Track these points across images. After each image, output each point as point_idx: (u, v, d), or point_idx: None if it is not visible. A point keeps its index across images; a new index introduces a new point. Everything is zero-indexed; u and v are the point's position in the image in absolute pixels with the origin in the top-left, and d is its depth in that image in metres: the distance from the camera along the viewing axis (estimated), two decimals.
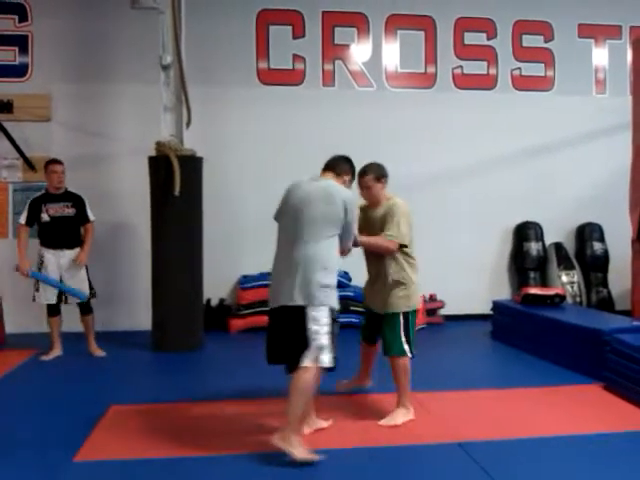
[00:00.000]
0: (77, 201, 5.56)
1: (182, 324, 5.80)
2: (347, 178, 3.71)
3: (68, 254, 5.48)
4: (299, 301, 3.29)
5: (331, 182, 3.58)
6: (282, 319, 3.39)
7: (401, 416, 3.88)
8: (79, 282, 5.51)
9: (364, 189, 4.01)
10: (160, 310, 5.84)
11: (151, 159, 5.83)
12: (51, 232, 5.49)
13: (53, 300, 5.49)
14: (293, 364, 3.36)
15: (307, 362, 3.27)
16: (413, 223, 4.00)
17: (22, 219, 5.53)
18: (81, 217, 5.56)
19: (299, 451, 3.24)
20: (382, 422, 3.84)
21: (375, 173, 3.98)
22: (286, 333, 3.37)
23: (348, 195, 3.52)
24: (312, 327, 3.27)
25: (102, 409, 4.11)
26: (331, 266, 3.39)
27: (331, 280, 3.38)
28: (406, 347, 3.88)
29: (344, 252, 3.63)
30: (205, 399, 4.39)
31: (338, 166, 3.69)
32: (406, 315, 3.91)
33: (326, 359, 3.30)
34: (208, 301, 6.70)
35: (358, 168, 3.96)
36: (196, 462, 3.36)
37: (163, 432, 3.76)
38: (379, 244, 3.83)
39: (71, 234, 5.53)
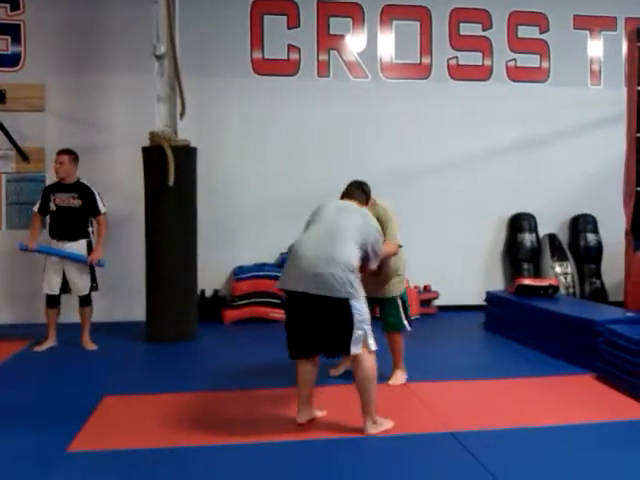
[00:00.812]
0: (85, 193, 5.49)
1: (176, 315, 5.79)
2: (364, 207, 4.04)
3: (70, 246, 5.44)
4: (342, 294, 3.42)
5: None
6: (316, 309, 3.48)
7: (402, 376, 4.55)
8: (80, 275, 5.47)
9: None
10: (154, 301, 5.83)
11: (145, 149, 5.81)
12: (56, 222, 5.48)
13: (56, 291, 5.48)
14: (331, 352, 3.68)
15: (357, 350, 3.48)
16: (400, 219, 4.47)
17: (35, 207, 5.58)
18: (89, 209, 5.49)
19: (389, 424, 3.61)
20: (390, 382, 4.47)
21: (362, 199, 4.11)
22: (325, 323, 3.50)
23: (377, 227, 3.92)
24: (357, 317, 3.46)
25: (96, 400, 4.11)
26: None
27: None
28: (405, 322, 4.52)
29: (364, 269, 3.77)
30: (199, 389, 4.39)
31: (358, 196, 4.02)
32: (402, 296, 4.53)
33: (372, 343, 3.54)
34: (202, 292, 6.70)
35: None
36: (189, 452, 3.36)
37: (157, 422, 3.77)
38: (387, 251, 4.19)
39: (75, 226, 5.47)
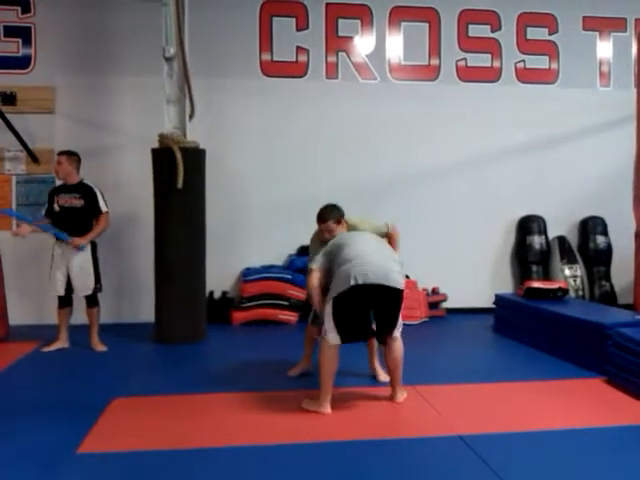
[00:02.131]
0: (87, 193, 5.51)
1: (185, 316, 5.81)
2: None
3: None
4: (401, 285, 3.97)
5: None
6: (380, 296, 3.93)
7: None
8: (84, 275, 5.48)
9: (326, 232, 4.36)
10: (163, 302, 5.84)
11: (154, 151, 5.82)
12: (59, 223, 5.49)
13: (61, 292, 5.51)
14: (381, 335, 4.10)
15: (398, 333, 4.12)
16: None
17: (43, 210, 5.62)
18: (91, 209, 5.51)
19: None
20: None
21: (335, 217, 4.36)
22: (384, 309, 4.00)
23: None
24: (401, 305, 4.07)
25: (105, 401, 4.13)
26: None
27: None
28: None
29: None
30: (208, 391, 4.40)
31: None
32: None
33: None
34: (211, 293, 6.71)
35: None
36: (199, 453, 3.37)
37: (166, 424, 3.78)
38: None
39: (78, 226, 5.48)
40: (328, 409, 3.91)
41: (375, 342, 4.46)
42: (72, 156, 5.58)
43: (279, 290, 6.71)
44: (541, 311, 5.66)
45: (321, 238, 4.43)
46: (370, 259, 3.93)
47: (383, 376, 4.57)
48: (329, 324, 3.95)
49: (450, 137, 7.22)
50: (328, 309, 3.96)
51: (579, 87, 7.46)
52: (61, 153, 5.58)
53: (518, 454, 3.36)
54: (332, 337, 3.93)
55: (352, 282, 3.85)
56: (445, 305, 7.21)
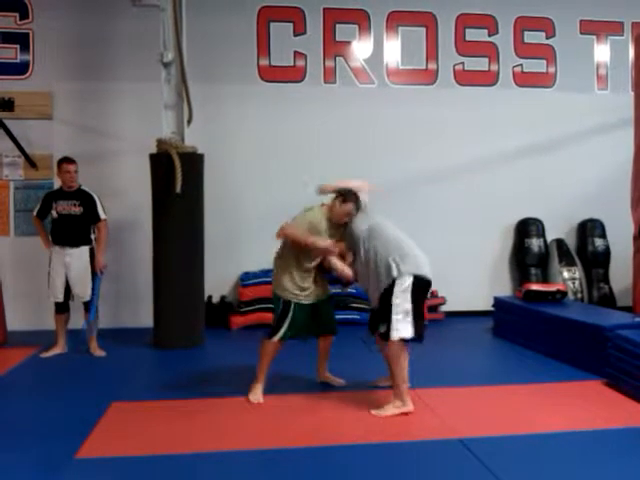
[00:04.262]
0: (86, 200, 5.51)
1: (183, 321, 5.80)
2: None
3: (71, 252, 5.46)
4: None
5: None
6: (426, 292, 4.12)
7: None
8: (83, 281, 5.49)
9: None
10: (161, 307, 5.84)
11: (152, 156, 5.83)
12: (58, 229, 5.50)
13: (60, 298, 5.51)
14: None
15: None
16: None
17: (35, 211, 5.62)
18: (90, 216, 5.51)
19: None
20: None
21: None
22: None
23: None
24: None
25: (103, 406, 4.12)
26: None
27: None
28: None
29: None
30: (206, 396, 4.39)
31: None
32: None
33: None
34: (209, 298, 6.70)
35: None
36: (197, 459, 3.37)
37: (164, 429, 3.77)
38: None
39: (76, 233, 5.49)
40: (412, 405, 3.98)
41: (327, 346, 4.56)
42: (76, 163, 5.57)
43: None
44: (540, 314, 5.66)
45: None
46: (423, 255, 4.14)
47: (338, 382, 4.57)
48: (406, 315, 3.89)
49: (448, 141, 7.23)
50: (404, 298, 3.91)
51: (576, 91, 7.47)
52: (70, 162, 5.51)
53: (518, 457, 3.37)
54: (407, 330, 3.87)
55: (417, 270, 3.99)
56: (444, 308, 7.21)
